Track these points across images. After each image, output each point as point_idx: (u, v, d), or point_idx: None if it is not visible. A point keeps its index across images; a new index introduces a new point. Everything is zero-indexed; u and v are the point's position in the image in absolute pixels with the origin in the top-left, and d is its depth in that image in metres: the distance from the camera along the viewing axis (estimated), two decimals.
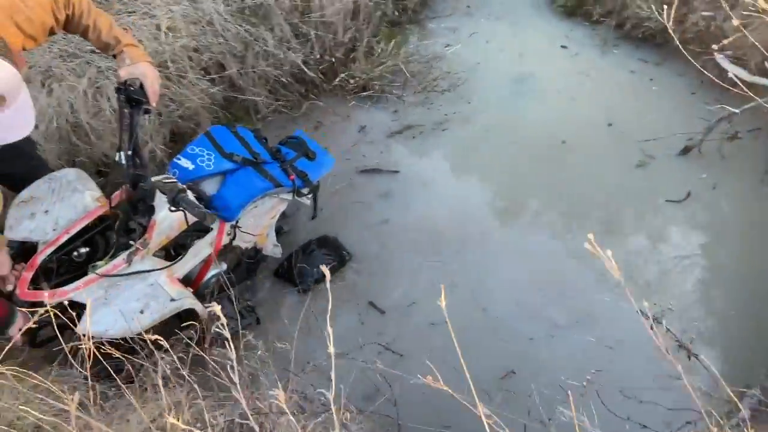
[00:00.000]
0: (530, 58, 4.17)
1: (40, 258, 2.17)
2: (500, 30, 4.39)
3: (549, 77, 4.03)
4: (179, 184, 2.30)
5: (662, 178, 3.46)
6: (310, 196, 2.80)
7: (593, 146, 3.63)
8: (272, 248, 2.96)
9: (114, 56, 2.13)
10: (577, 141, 3.66)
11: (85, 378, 1.41)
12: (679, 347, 1.91)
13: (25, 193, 2.33)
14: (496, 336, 2.85)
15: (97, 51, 3.07)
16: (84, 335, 1.53)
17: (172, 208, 2.15)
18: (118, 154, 2.09)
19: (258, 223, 2.74)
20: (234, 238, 2.62)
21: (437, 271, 3.08)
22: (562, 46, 4.26)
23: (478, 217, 3.31)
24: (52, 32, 2.04)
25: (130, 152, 2.08)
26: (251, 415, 1.24)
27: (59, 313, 1.72)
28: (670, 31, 1.82)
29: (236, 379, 1.28)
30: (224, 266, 2.67)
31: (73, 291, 2.12)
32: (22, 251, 2.24)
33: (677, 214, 3.31)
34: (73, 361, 1.42)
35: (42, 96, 2.95)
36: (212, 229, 2.49)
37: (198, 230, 2.49)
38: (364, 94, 3.90)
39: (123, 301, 2.13)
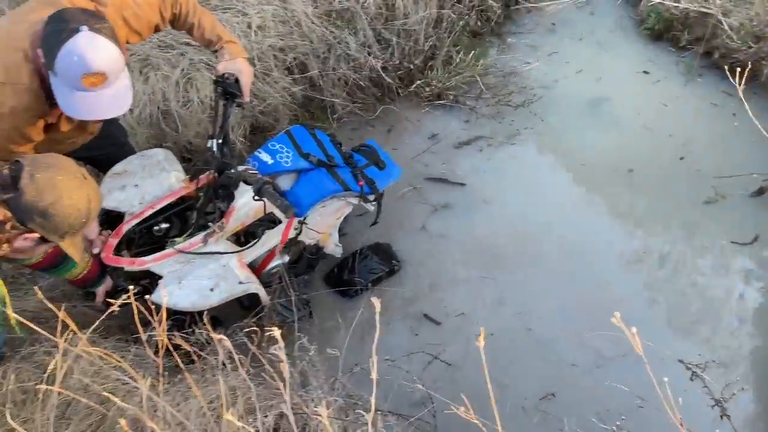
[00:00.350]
0: (609, 81, 4.14)
1: (125, 227, 2.35)
2: (582, 50, 4.37)
3: (626, 103, 3.99)
4: (264, 176, 2.40)
5: (731, 218, 3.40)
6: (374, 203, 2.91)
7: (661, 177, 3.60)
8: (334, 247, 3.09)
9: (214, 52, 2.31)
10: (645, 170, 3.63)
11: (155, 360, 1.58)
12: (715, 404, 1.91)
13: (119, 167, 2.52)
14: (540, 357, 2.91)
15: (193, 44, 3.29)
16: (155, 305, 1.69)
17: (256, 198, 2.22)
18: (210, 141, 2.27)
19: (324, 222, 2.88)
20: (300, 233, 2.76)
21: (488, 286, 3.15)
22: (644, 72, 4.20)
23: (536, 237, 3.35)
24: (157, 29, 2.22)
25: (220, 141, 2.26)
26: (294, 414, 1.37)
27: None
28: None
29: (286, 376, 1.40)
30: (286, 258, 2.83)
31: (151, 262, 2.29)
32: (108, 219, 2.43)
33: (741, 257, 3.25)
34: (146, 346, 1.59)
35: (138, 83, 3.19)
36: (282, 221, 2.64)
37: (269, 221, 2.62)
38: (438, 102, 3.99)
39: (195, 277, 2.28)
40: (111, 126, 2.54)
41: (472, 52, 4.13)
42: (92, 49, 1.68)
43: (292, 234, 2.73)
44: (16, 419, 1.56)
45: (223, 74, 2.23)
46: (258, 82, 3.44)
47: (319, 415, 1.07)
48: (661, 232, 3.36)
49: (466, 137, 3.83)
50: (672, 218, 3.41)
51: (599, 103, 4.01)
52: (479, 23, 4.40)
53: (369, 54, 3.80)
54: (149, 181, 2.49)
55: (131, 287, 1.70)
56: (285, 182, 2.65)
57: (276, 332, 1.28)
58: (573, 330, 2.97)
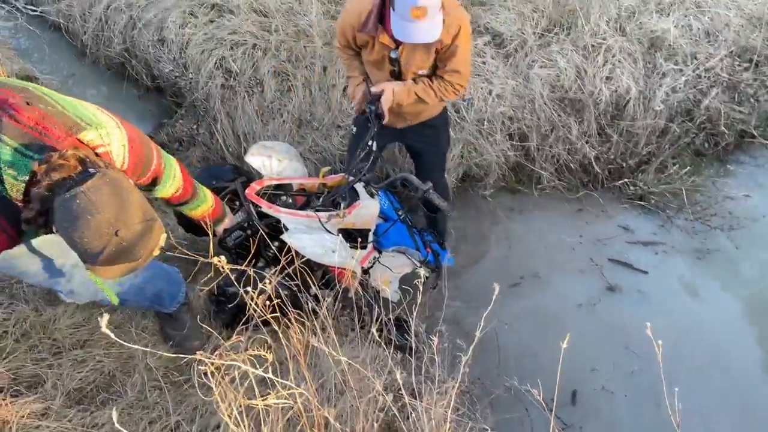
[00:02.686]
0: None
1: (267, 182, 2.84)
2: None
3: None
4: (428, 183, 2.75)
5: None
6: (432, 272, 3.29)
7: None
8: (392, 293, 3.20)
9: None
10: None
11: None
12: None
13: (268, 143, 3.14)
14: None
15: None
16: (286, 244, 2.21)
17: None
18: (371, 142, 2.81)
19: (388, 271, 3.15)
20: (372, 266, 3.09)
21: (635, 369, 3.28)
22: None
23: (695, 350, 3.40)
24: (437, 50, 2.72)
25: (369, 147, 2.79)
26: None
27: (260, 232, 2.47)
28: None
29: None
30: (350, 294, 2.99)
31: (285, 213, 2.67)
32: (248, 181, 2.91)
33: None
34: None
35: None
36: (366, 247, 2.99)
37: (355, 241, 2.93)
38: (638, 202, 4.21)
39: (321, 237, 2.60)
40: (428, 129, 3.17)
41: (688, 167, 4.29)
42: None
43: (366, 264, 3.05)
44: None
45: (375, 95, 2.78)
46: (481, 138, 4.03)
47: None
48: None
49: (656, 239, 3.99)
50: None
51: None
52: (705, 144, 4.53)
53: (587, 142, 4.19)
54: (289, 163, 3.06)
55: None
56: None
57: None
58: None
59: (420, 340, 2.25)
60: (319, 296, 2.27)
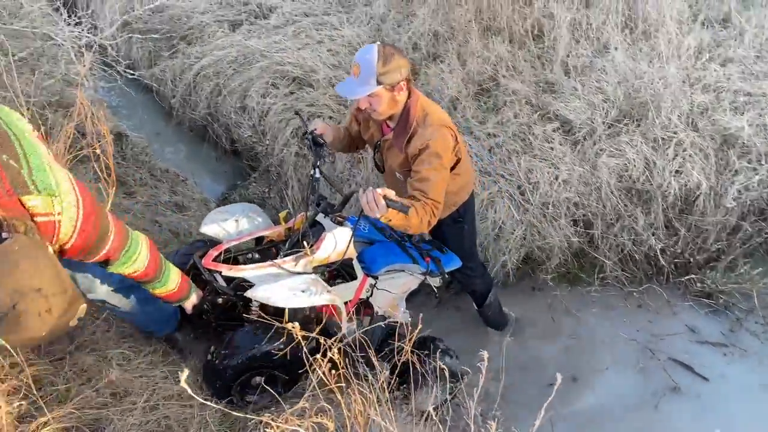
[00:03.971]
0: None
1: (225, 246, 2.74)
2: None
3: None
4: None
5: None
6: (439, 279, 3.13)
7: None
8: (401, 315, 3.17)
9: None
10: None
11: None
12: None
13: (222, 207, 3.06)
14: None
15: None
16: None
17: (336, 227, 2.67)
18: (313, 170, 2.79)
19: (391, 294, 3.06)
20: (371, 296, 2.99)
21: None
22: None
23: None
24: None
25: (317, 176, 2.77)
26: None
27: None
28: None
29: None
30: (353, 327, 2.89)
31: (248, 270, 2.60)
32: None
33: None
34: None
35: None
36: (357, 277, 2.88)
37: (348, 274, 2.89)
38: (706, 300, 4.07)
39: (288, 281, 2.50)
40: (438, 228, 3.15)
41: (761, 267, 4.14)
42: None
43: (363, 295, 2.95)
44: None
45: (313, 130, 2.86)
46: (544, 222, 4.04)
47: None
48: None
49: (722, 341, 3.83)
50: None
51: None
52: None
53: (653, 234, 4.12)
54: (248, 220, 2.96)
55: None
56: (359, 247, 3.01)
57: None
58: None
59: (476, 422, 2.21)
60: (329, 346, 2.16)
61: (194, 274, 2.67)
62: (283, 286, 2.45)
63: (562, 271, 4.20)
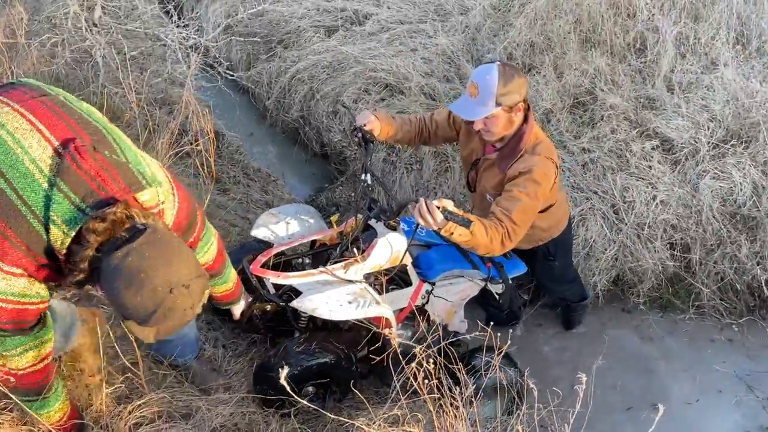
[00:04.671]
0: None
1: (275, 250, 2.66)
2: None
3: None
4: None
5: None
6: (501, 286, 2.95)
7: None
8: (458, 324, 3.00)
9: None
10: None
11: None
12: None
13: (274, 209, 2.99)
14: None
15: None
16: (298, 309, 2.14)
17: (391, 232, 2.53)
18: (363, 175, 2.67)
19: (449, 301, 2.90)
20: (426, 303, 2.84)
21: None
22: None
23: None
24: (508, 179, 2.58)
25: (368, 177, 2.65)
26: None
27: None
28: None
29: None
30: (409, 333, 2.83)
31: (296, 277, 2.52)
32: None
33: None
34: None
35: None
36: (413, 283, 2.77)
37: (402, 280, 2.78)
38: None
39: (335, 292, 2.42)
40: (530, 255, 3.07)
41: None
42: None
43: (419, 302, 2.80)
44: None
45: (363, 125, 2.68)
46: (638, 243, 3.86)
47: None
48: None
49: None
50: None
51: None
52: None
53: (758, 264, 3.86)
54: (300, 223, 2.88)
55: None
56: (415, 251, 2.87)
57: None
58: None
59: None
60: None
61: (243, 278, 2.61)
62: (330, 297, 2.38)
63: (654, 295, 4.01)
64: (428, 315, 2.87)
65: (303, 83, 5.52)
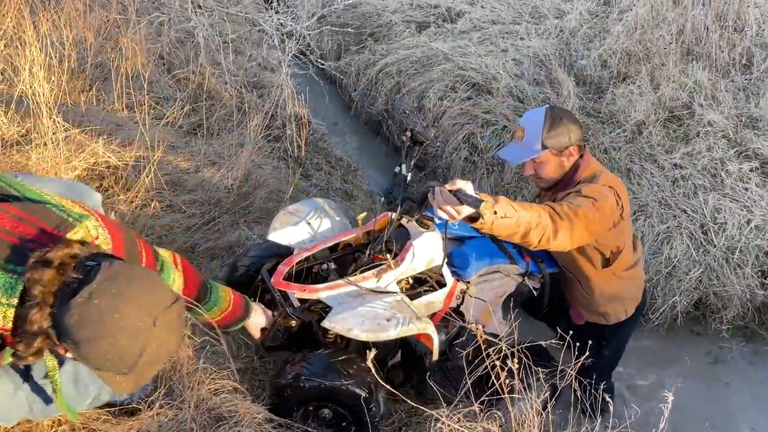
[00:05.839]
0: None
1: (296, 258, 2.35)
2: None
3: None
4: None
5: None
6: (541, 281, 2.66)
7: None
8: (497, 325, 2.59)
9: None
10: None
11: None
12: None
13: (291, 207, 2.64)
14: None
15: None
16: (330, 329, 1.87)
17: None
18: (398, 168, 2.47)
19: (485, 300, 2.58)
20: (461, 304, 2.53)
21: None
22: None
23: None
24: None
25: (408, 173, 2.43)
26: None
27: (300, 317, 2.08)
28: None
29: None
30: (443, 336, 2.48)
31: (323, 290, 2.22)
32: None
33: None
34: None
35: None
36: (446, 284, 2.45)
37: (436, 281, 2.46)
38: None
39: (369, 307, 2.15)
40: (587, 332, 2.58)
41: None
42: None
43: (453, 303, 2.51)
44: None
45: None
46: (726, 268, 3.69)
47: None
48: None
49: None
50: None
51: None
52: None
53: None
54: (322, 221, 2.56)
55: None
56: (448, 246, 2.49)
57: None
58: None
59: None
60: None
61: (263, 288, 2.36)
62: (365, 315, 2.11)
63: (738, 323, 3.82)
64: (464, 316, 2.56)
65: (390, 77, 5.57)
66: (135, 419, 1.93)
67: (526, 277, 2.63)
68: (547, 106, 2.43)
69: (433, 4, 6.22)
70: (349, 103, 5.99)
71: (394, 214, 2.38)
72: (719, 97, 4.43)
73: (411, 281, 2.44)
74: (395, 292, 2.28)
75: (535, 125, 2.34)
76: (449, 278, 2.46)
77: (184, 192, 3.29)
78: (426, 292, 2.42)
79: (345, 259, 2.52)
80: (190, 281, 1.83)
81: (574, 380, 1.99)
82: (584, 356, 1.98)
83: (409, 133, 2.50)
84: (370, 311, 2.11)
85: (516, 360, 1.66)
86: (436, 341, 2.25)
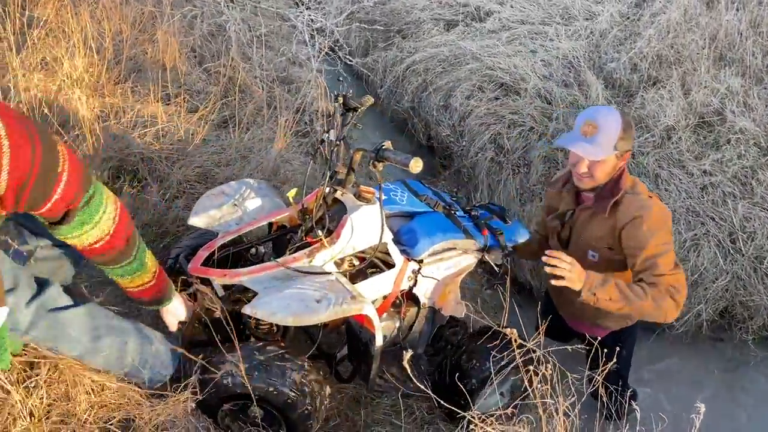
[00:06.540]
0: None
1: (218, 242, 2.15)
2: None
3: None
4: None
5: None
6: (500, 255, 2.49)
7: None
8: (455, 306, 2.49)
9: None
10: None
11: None
12: None
13: (216, 189, 2.43)
14: None
15: None
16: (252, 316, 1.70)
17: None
18: (326, 135, 2.21)
19: (441, 280, 2.40)
20: (414, 285, 2.33)
21: None
22: None
23: None
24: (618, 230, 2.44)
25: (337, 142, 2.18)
26: None
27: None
28: None
29: None
30: (397, 324, 2.37)
31: (247, 274, 2.00)
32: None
33: None
34: None
35: None
36: (395, 265, 2.25)
37: (383, 261, 2.27)
38: None
39: (298, 288, 1.94)
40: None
41: None
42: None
43: (405, 285, 2.29)
44: None
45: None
46: (754, 277, 3.66)
47: None
48: None
49: None
50: None
51: None
52: None
53: None
54: (249, 202, 2.36)
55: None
56: (396, 224, 2.34)
57: None
58: None
59: None
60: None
61: (183, 280, 2.11)
62: (292, 298, 1.89)
63: (764, 333, 3.79)
64: (418, 299, 2.40)
65: (417, 75, 5.58)
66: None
67: (485, 253, 2.44)
68: (613, 107, 2.42)
69: (462, 3, 6.21)
70: (375, 100, 6.00)
71: (325, 188, 2.17)
72: (752, 104, 4.38)
73: (355, 262, 2.22)
74: (329, 273, 2.06)
75: (611, 125, 2.33)
76: (398, 257, 2.23)
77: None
78: (372, 274, 2.21)
79: (281, 242, 2.33)
80: (119, 235, 1.59)
81: (600, 386, 2.00)
82: (611, 362, 1.98)
83: (341, 99, 2.25)
84: (298, 293, 1.90)
85: (548, 366, 1.67)
86: (376, 323, 2.03)
